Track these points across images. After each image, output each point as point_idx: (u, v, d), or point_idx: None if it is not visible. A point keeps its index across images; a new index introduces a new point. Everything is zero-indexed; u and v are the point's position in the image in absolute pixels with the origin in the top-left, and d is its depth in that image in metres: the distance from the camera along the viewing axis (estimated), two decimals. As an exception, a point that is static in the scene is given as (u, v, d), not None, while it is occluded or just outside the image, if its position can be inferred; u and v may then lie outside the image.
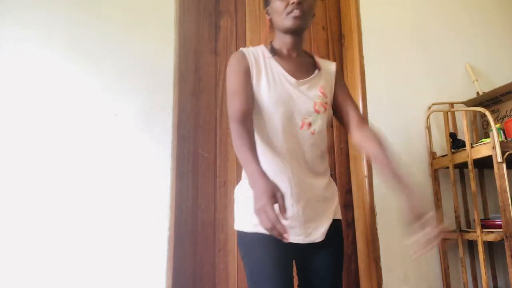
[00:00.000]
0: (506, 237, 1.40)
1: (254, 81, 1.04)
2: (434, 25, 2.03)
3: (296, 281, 1.06)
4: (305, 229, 1.01)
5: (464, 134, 1.65)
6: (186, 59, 1.75)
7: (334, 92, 1.14)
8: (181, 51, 1.72)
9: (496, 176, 1.45)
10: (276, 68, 1.07)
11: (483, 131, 1.90)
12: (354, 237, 1.80)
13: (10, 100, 1.53)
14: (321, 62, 1.17)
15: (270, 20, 1.11)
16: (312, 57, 1.17)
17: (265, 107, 1.03)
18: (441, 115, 1.89)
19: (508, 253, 1.39)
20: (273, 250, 0.97)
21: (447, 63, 2.00)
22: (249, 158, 0.86)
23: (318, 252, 1.04)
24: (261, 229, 0.96)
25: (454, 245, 1.75)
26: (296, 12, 1.00)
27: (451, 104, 1.91)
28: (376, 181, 1.75)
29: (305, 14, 1.02)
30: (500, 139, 1.48)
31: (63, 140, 1.53)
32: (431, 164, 1.82)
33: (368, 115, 1.81)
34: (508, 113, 1.74)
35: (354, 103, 1.15)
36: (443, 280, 1.71)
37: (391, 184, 0.97)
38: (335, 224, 1.07)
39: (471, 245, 1.76)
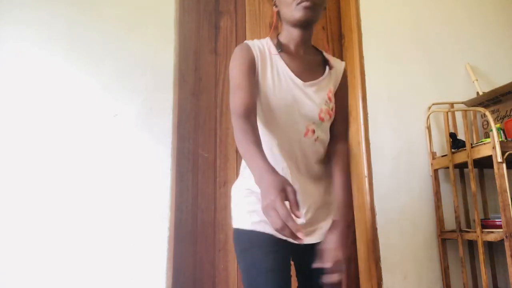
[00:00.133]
0: (506, 237, 1.40)
1: (258, 77, 0.98)
2: (434, 25, 2.03)
3: (294, 282, 1.06)
4: (305, 231, 1.00)
5: (464, 134, 1.66)
6: (186, 59, 1.75)
7: (334, 94, 1.07)
8: (181, 51, 1.72)
9: (496, 176, 1.45)
10: (282, 67, 1.00)
11: (483, 131, 1.90)
12: (354, 237, 1.80)
13: (10, 100, 1.53)
14: (332, 60, 1.09)
15: (278, 12, 1.03)
16: (320, 53, 1.10)
17: (267, 108, 0.98)
18: (441, 115, 1.89)
19: (508, 253, 1.39)
20: (271, 249, 0.94)
21: (447, 63, 2.00)
22: (254, 153, 0.80)
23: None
24: (259, 228, 0.95)
25: (454, 245, 1.75)
26: (306, 3, 0.92)
27: (451, 104, 1.91)
28: (376, 181, 1.75)
29: (316, 5, 0.94)
30: (500, 139, 1.48)
31: (63, 140, 1.53)
32: (431, 164, 1.82)
33: (368, 115, 1.81)
34: (508, 113, 1.74)
35: (346, 114, 1.10)
36: (443, 280, 1.71)
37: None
38: None
39: (471, 245, 1.76)
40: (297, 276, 1.08)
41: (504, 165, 1.45)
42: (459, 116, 1.92)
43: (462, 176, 1.82)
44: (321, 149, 1.04)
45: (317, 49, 1.11)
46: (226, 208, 1.70)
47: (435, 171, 1.80)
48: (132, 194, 1.53)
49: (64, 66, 1.60)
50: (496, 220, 1.58)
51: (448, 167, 1.73)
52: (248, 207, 0.99)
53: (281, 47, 1.03)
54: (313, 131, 1.01)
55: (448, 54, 2.01)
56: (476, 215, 1.56)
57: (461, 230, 1.66)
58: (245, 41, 1.02)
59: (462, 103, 1.90)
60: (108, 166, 1.54)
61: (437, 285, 1.72)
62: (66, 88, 1.58)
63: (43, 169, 1.49)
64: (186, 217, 1.62)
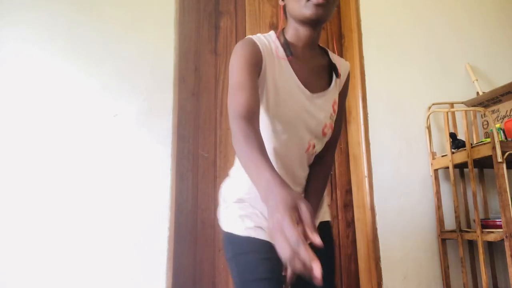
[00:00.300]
0: (506, 237, 1.40)
1: (262, 80, 0.87)
2: (434, 25, 2.03)
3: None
4: None
5: (464, 134, 1.66)
6: (186, 59, 1.75)
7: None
8: (181, 51, 1.72)
9: (496, 176, 1.45)
10: (290, 73, 0.89)
11: (483, 131, 1.90)
12: (354, 237, 1.80)
13: (10, 100, 1.53)
14: (338, 62, 0.99)
15: (284, 7, 0.92)
16: (326, 54, 1.00)
17: (267, 118, 0.88)
18: (441, 115, 1.89)
19: (508, 253, 1.39)
20: (266, 256, 0.88)
21: (447, 63, 2.00)
22: (259, 162, 0.65)
23: None
24: (254, 234, 0.90)
25: (454, 245, 1.75)
26: (319, 0, 0.81)
27: (451, 104, 1.91)
28: (376, 181, 1.75)
29: (329, 2, 0.82)
30: (500, 139, 1.48)
31: (64, 140, 1.53)
32: (431, 164, 1.82)
33: (368, 115, 1.81)
34: (508, 113, 1.74)
35: (340, 123, 1.02)
36: (443, 280, 1.71)
37: None
38: (324, 225, 1.04)
39: (471, 245, 1.76)
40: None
41: (504, 165, 1.45)
42: (459, 116, 1.92)
43: (462, 176, 1.82)
44: (312, 159, 1.00)
45: (321, 48, 1.01)
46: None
47: (435, 171, 1.80)
48: (132, 194, 1.53)
49: (64, 66, 1.60)
50: (496, 220, 1.58)
51: (448, 167, 1.73)
52: (240, 211, 0.94)
53: (290, 50, 0.91)
54: (314, 146, 0.95)
55: (448, 54, 2.01)
56: (476, 215, 1.56)
57: (461, 230, 1.66)
58: (249, 36, 0.89)
59: (462, 103, 1.90)
60: (108, 166, 1.54)
61: (437, 285, 1.72)
62: (66, 88, 1.58)
63: (43, 169, 1.49)
64: (186, 217, 1.62)
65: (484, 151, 1.53)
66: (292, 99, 0.89)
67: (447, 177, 1.82)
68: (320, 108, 0.92)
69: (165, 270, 1.48)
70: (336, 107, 0.97)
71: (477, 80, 1.95)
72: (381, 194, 1.74)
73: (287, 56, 0.90)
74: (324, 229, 1.03)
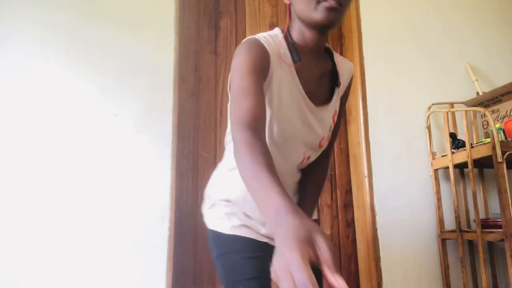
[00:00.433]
0: (506, 237, 1.40)
1: (264, 87, 0.77)
2: (434, 25, 2.03)
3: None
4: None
5: (464, 134, 1.66)
6: (186, 59, 1.75)
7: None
8: (181, 51, 1.72)
9: (496, 176, 1.45)
10: (295, 81, 0.81)
11: (483, 131, 1.90)
12: (354, 237, 1.80)
13: (10, 100, 1.53)
14: (341, 65, 0.91)
15: (289, 6, 0.83)
16: (330, 56, 0.91)
17: (268, 132, 0.82)
18: (441, 115, 1.89)
19: (508, 253, 1.39)
20: (253, 254, 0.86)
21: (447, 63, 2.00)
22: (267, 183, 0.54)
23: None
24: (240, 232, 0.88)
25: (454, 245, 1.75)
26: (332, 2, 0.72)
27: (451, 104, 1.91)
28: (376, 181, 1.75)
29: (342, 6, 0.74)
30: (500, 139, 1.48)
31: (64, 141, 1.53)
32: (431, 164, 1.82)
33: (368, 115, 1.81)
34: (508, 113, 1.74)
35: (338, 128, 0.98)
36: (443, 280, 1.70)
37: None
38: None
39: (471, 245, 1.76)
40: None
41: (504, 165, 1.45)
42: (459, 116, 1.92)
43: (462, 176, 1.82)
44: (306, 165, 0.95)
45: (326, 49, 0.92)
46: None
47: (435, 171, 1.80)
48: (132, 194, 1.53)
49: (64, 66, 1.60)
50: (496, 220, 1.58)
51: (448, 167, 1.73)
52: (225, 209, 0.91)
53: (298, 55, 0.81)
54: (308, 158, 0.91)
55: (448, 54, 2.02)
56: (476, 215, 1.56)
57: (461, 230, 1.66)
58: (255, 37, 0.79)
59: (462, 103, 1.90)
60: (108, 166, 1.54)
61: (437, 285, 1.72)
62: (66, 88, 1.58)
63: (43, 169, 1.49)
64: (186, 217, 1.62)
65: (484, 151, 1.53)
66: (294, 113, 0.82)
67: (447, 177, 1.82)
68: (321, 121, 0.87)
69: (165, 270, 1.48)
70: (336, 117, 0.93)
71: (477, 80, 1.95)
72: (381, 194, 1.74)
73: (295, 62, 0.80)
74: None
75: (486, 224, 1.61)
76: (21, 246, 1.43)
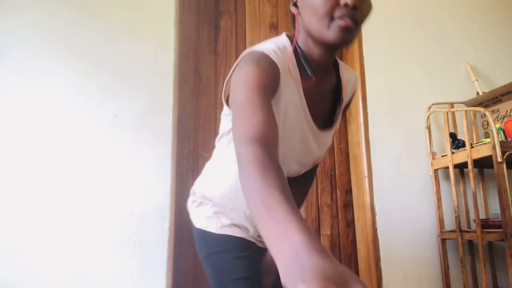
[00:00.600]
0: (506, 237, 1.40)
1: (272, 104, 0.68)
2: (434, 25, 2.03)
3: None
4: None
5: (464, 134, 1.66)
6: (186, 59, 1.75)
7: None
8: (181, 51, 1.72)
9: (496, 176, 1.45)
10: (301, 101, 0.75)
11: (483, 131, 1.90)
12: (354, 237, 1.80)
13: (10, 100, 1.53)
14: (346, 78, 0.85)
15: (296, 16, 0.74)
16: (336, 70, 0.84)
17: None
18: (441, 115, 1.89)
19: (508, 253, 1.39)
20: (243, 254, 0.85)
21: (447, 63, 2.00)
22: (282, 214, 0.42)
23: None
24: (230, 231, 0.87)
25: (454, 245, 1.75)
26: (348, 21, 0.65)
27: (451, 104, 1.91)
28: (376, 181, 1.75)
29: (357, 25, 0.68)
30: (500, 139, 1.48)
31: (64, 140, 1.53)
32: (431, 164, 1.82)
33: (368, 115, 1.81)
34: (508, 113, 1.74)
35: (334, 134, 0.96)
36: (443, 280, 1.70)
37: None
38: None
39: (471, 245, 1.76)
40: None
41: (504, 165, 1.45)
42: (459, 116, 1.92)
43: (462, 176, 1.82)
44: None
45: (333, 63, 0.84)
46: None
47: (435, 171, 1.80)
48: (132, 194, 1.53)
49: (64, 66, 1.60)
50: (496, 220, 1.58)
51: (448, 167, 1.73)
52: (214, 208, 0.90)
53: (313, 70, 0.73)
54: (299, 173, 0.90)
55: (448, 54, 2.02)
56: (476, 215, 1.56)
57: (461, 230, 1.66)
58: (263, 51, 0.70)
59: (462, 103, 1.90)
60: (108, 166, 1.54)
61: (437, 285, 1.72)
62: (66, 88, 1.58)
63: (43, 169, 1.49)
64: (186, 217, 1.62)
65: (484, 151, 1.53)
66: (297, 135, 0.78)
67: (447, 177, 1.82)
68: (322, 143, 0.84)
69: (165, 270, 1.48)
70: (334, 137, 0.90)
71: (477, 80, 1.95)
72: (381, 194, 1.74)
73: (308, 76, 0.73)
74: None
75: (486, 224, 1.61)
76: (21, 246, 1.43)
